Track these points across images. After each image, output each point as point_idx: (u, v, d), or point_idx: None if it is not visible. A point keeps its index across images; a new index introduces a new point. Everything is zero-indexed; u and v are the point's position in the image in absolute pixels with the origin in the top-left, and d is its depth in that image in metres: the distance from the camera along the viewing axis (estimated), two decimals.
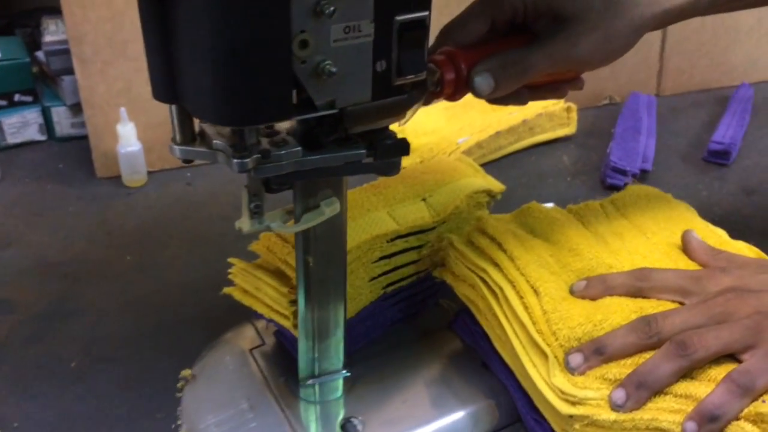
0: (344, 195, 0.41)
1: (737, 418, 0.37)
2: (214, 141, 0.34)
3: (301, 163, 0.35)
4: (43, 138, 0.84)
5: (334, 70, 0.32)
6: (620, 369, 0.40)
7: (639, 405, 0.38)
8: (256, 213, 0.37)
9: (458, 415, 0.46)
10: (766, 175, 0.77)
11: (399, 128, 0.38)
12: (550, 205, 0.70)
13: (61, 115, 0.83)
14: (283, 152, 0.34)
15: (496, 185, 0.56)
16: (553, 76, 0.44)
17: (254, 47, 0.31)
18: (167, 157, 0.76)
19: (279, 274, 0.47)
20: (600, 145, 0.82)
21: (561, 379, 0.40)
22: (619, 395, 0.38)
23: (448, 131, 0.76)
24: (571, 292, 0.44)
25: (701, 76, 0.97)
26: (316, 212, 0.39)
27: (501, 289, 0.44)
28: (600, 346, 0.40)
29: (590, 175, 0.77)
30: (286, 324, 0.46)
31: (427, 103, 0.40)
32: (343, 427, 0.45)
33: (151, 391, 0.49)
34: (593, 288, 0.44)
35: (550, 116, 0.82)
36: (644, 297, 0.44)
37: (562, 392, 0.39)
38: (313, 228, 0.40)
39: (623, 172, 0.74)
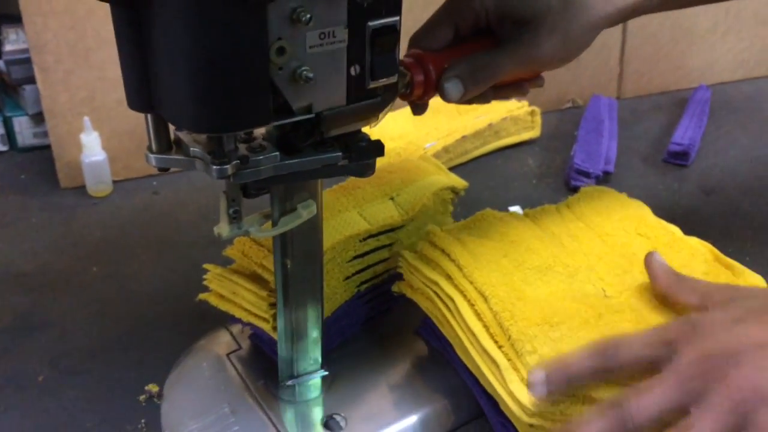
0: (320, 197, 0.42)
1: None
2: (191, 149, 0.35)
3: (279, 167, 0.36)
4: (4, 149, 0.83)
5: (311, 75, 0.33)
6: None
7: None
8: (235, 218, 0.38)
9: (435, 406, 0.48)
10: (724, 175, 0.79)
11: (368, 132, 0.39)
12: (515, 208, 0.72)
13: (23, 125, 0.82)
14: (261, 158, 0.35)
15: (459, 182, 0.58)
16: (516, 75, 0.46)
17: (232, 55, 0.31)
18: (133, 166, 0.76)
19: (255, 278, 0.47)
20: (564, 147, 0.84)
21: (517, 386, 0.40)
22: None
23: (414, 136, 0.77)
24: (530, 385, 0.39)
25: (660, 79, 0.99)
26: (293, 215, 0.40)
27: (452, 299, 0.45)
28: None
29: (555, 178, 0.78)
30: (265, 327, 0.47)
31: (409, 105, 0.44)
32: (325, 424, 0.46)
33: (121, 403, 0.49)
34: (554, 373, 0.39)
35: (515, 120, 0.83)
36: (610, 370, 0.39)
37: (519, 401, 0.40)
38: (291, 230, 0.40)
39: (586, 174, 0.75)
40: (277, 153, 0.36)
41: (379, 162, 0.52)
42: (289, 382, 0.47)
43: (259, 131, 0.37)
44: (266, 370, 0.49)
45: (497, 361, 0.41)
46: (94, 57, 0.71)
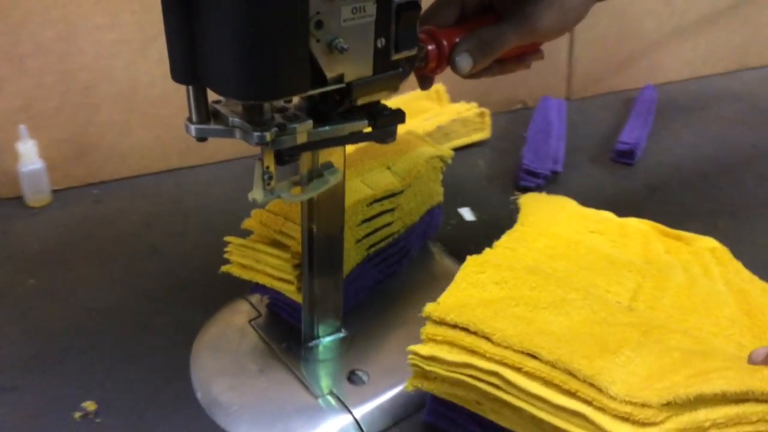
0: (344, 165, 0.45)
1: None
2: (231, 119, 0.38)
3: (313, 134, 0.40)
4: None
5: (345, 46, 0.37)
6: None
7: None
8: (268, 184, 0.40)
9: None
10: (669, 172, 0.80)
11: None
12: (465, 210, 0.72)
13: None
14: (296, 125, 0.39)
15: (446, 152, 0.63)
16: (518, 49, 0.49)
17: (278, 27, 0.34)
18: (73, 174, 0.73)
19: (276, 245, 0.50)
20: (513, 148, 0.84)
21: (613, 424, 0.36)
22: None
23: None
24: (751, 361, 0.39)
25: (608, 79, 1.00)
26: (320, 180, 0.44)
27: (496, 373, 0.39)
28: None
29: (504, 178, 0.79)
30: (290, 289, 0.50)
31: (417, 78, 0.48)
32: (349, 378, 0.49)
33: (57, 419, 0.47)
34: None
35: (464, 122, 0.83)
36: None
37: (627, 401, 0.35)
38: (317, 196, 0.44)
39: (535, 174, 0.75)
40: (311, 120, 0.39)
41: None
42: (312, 343, 0.51)
43: (292, 102, 0.41)
44: (287, 333, 0.53)
45: (580, 411, 0.36)
46: (30, 63, 0.69)
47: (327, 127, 0.40)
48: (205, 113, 0.39)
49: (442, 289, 0.47)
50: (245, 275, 0.52)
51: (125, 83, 0.72)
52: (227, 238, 0.52)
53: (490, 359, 0.40)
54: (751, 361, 0.39)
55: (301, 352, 0.51)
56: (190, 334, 0.54)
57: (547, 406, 0.38)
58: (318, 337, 0.51)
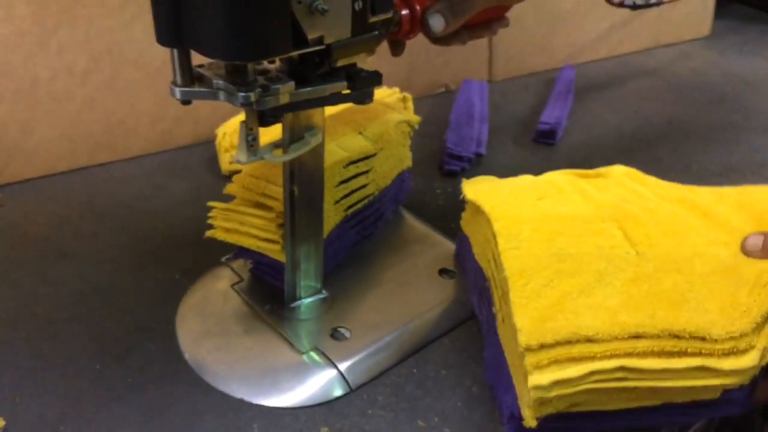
0: (324, 127, 0.47)
1: None
2: (214, 81, 0.40)
3: (295, 95, 0.42)
4: None
5: (325, 8, 0.39)
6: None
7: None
8: (252, 146, 0.42)
9: (428, 314, 0.55)
10: (590, 150, 0.82)
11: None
12: None
13: None
14: (279, 86, 0.41)
15: (413, 117, 0.66)
16: (485, 14, 0.52)
17: None
18: None
19: (259, 207, 0.52)
20: (438, 132, 0.83)
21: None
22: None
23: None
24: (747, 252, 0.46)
25: (528, 60, 1.01)
26: (302, 142, 0.46)
27: (620, 368, 0.41)
28: None
29: (429, 163, 0.78)
30: (275, 249, 0.52)
31: (389, 44, 0.51)
32: (332, 335, 0.52)
33: None
34: None
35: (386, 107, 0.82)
36: None
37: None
38: (298, 158, 0.46)
39: (459, 158, 0.75)
40: (293, 81, 0.41)
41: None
42: (294, 304, 0.54)
43: (272, 65, 0.43)
44: (270, 296, 0.55)
45: (699, 365, 0.40)
46: None
47: (308, 88, 0.42)
48: (189, 76, 0.40)
49: (417, 252, 0.57)
50: (230, 239, 0.53)
51: (25, 79, 0.67)
52: (211, 203, 0.54)
53: (610, 357, 0.40)
54: (747, 249, 0.45)
55: (285, 312, 0.54)
56: (110, 339, 0.52)
57: (672, 374, 0.40)
58: (300, 298, 0.54)
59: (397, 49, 0.52)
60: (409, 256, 0.60)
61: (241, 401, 0.47)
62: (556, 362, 0.40)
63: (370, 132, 0.61)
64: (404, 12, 0.47)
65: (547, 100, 0.91)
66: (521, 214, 0.51)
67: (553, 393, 0.40)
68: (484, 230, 0.52)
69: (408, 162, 0.66)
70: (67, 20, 0.66)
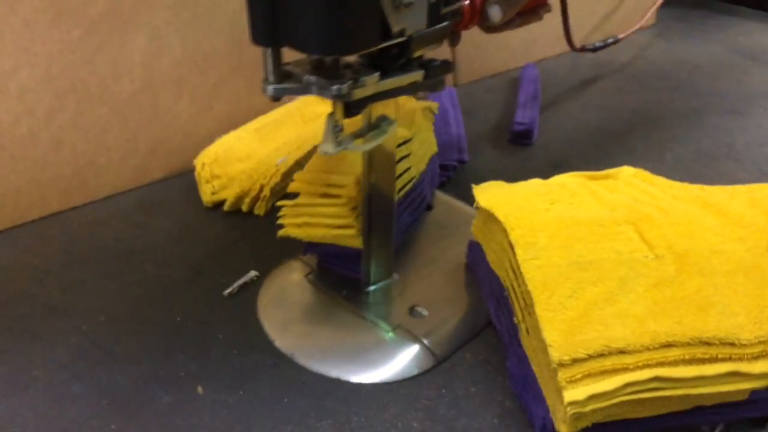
0: (396, 116, 0.50)
1: None
2: (305, 77, 0.43)
3: (379, 86, 0.45)
4: None
5: (410, 1, 0.42)
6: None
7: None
8: (338, 137, 0.44)
9: None
10: (566, 147, 0.83)
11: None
12: None
13: None
14: (366, 78, 0.43)
15: (433, 104, 0.70)
16: (532, 3, 0.57)
17: None
18: None
19: (327, 197, 0.54)
20: None
21: None
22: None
23: (263, 154, 0.72)
24: None
25: (490, 61, 1.02)
26: (379, 131, 0.49)
27: (654, 378, 0.41)
28: None
29: None
30: (350, 233, 0.54)
31: (449, 36, 0.51)
32: (410, 314, 0.55)
33: None
34: None
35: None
36: None
37: None
38: (374, 147, 0.49)
39: (444, 168, 0.74)
40: (378, 73, 0.44)
41: (233, 192, 0.66)
42: (369, 288, 0.57)
43: (353, 59, 0.45)
44: (343, 283, 0.58)
45: (731, 371, 0.41)
46: None
47: (390, 79, 0.45)
48: (280, 74, 0.43)
49: (463, 232, 0.59)
50: (302, 234, 0.55)
51: None
52: (280, 202, 0.56)
53: (642, 368, 0.40)
54: None
55: (361, 297, 0.57)
56: (121, 395, 0.48)
57: (704, 381, 0.41)
58: (374, 282, 0.57)
59: (455, 39, 0.55)
60: (464, 238, 0.61)
61: (338, 380, 0.50)
62: (590, 376, 0.40)
63: (401, 119, 0.62)
64: (466, 2, 0.50)
65: (515, 99, 0.91)
66: (536, 221, 0.51)
67: (589, 407, 0.40)
68: (499, 238, 0.52)
69: (435, 147, 0.69)
70: (26, 59, 0.62)
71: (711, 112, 0.92)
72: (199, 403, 0.48)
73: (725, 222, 0.50)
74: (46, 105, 0.64)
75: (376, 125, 0.49)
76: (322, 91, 0.42)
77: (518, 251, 0.48)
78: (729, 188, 0.55)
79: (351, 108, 0.44)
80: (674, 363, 0.41)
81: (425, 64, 0.47)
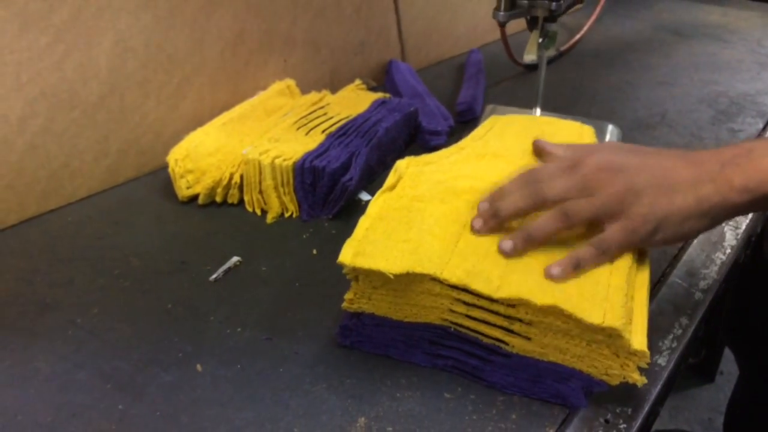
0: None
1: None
2: (536, 0, 0.71)
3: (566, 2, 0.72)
4: None
5: None
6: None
7: (524, 252, 0.49)
8: (541, 44, 0.73)
9: None
10: None
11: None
12: (363, 193, 0.73)
13: None
14: None
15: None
16: None
17: None
18: None
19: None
20: None
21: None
22: (508, 244, 0.49)
23: (231, 146, 0.75)
24: (473, 224, 0.52)
25: (436, 49, 1.07)
26: (550, 40, 0.75)
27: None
28: (496, 210, 0.51)
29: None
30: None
31: None
32: None
33: None
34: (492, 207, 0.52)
35: (323, 111, 0.85)
36: (544, 198, 0.50)
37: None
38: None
39: (437, 133, 0.81)
40: None
41: (204, 185, 0.73)
42: None
43: None
44: None
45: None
46: None
47: None
48: (510, 4, 0.69)
49: None
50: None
51: None
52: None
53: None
54: (547, 274, 0.48)
55: None
56: (124, 377, 0.51)
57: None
58: None
59: None
60: None
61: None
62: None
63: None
64: None
65: (461, 83, 0.97)
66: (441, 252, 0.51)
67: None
68: (417, 289, 0.50)
69: (365, 103, 0.82)
70: None
71: (642, 85, 0.99)
72: (199, 379, 0.52)
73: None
74: (18, 112, 0.66)
75: (546, 34, 0.72)
76: (545, 11, 0.67)
77: (475, 287, 0.48)
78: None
79: (548, 21, 0.69)
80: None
81: None
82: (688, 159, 0.50)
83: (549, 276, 0.47)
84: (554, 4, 0.66)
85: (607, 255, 0.49)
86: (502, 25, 0.67)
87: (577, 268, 0.48)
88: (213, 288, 0.61)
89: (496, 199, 0.52)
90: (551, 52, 0.72)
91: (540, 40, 0.69)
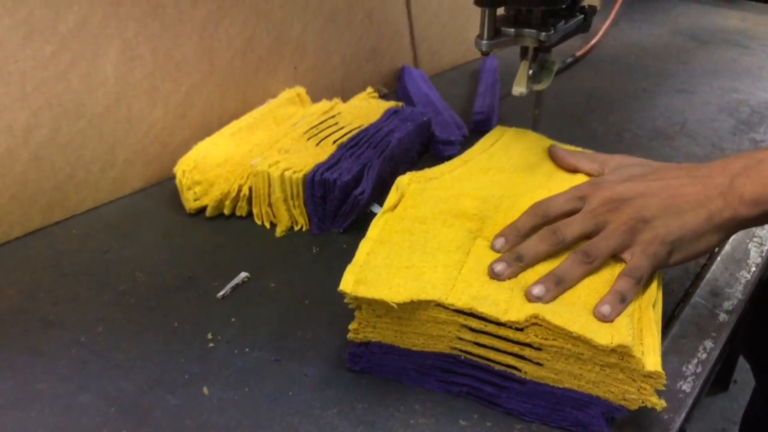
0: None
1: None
2: (514, 30, 0.60)
3: (563, 30, 0.61)
4: None
5: None
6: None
7: (553, 299, 0.48)
8: (532, 77, 0.62)
9: None
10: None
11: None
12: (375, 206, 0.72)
13: None
14: (562, 24, 0.60)
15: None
16: None
17: None
18: None
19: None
20: None
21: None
22: (539, 289, 0.48)
23: (240, 157, 0.73)
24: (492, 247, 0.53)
25: (450, 55, 1.05)
26: (548, 70, 0.65)
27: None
28: (519, 255, 0.50)
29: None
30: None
31: None
32: None
33: None
34: (508, 232, 0.53)
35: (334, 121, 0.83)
36: (547, 222, 0.53)
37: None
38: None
39: (451, 143, 0.79)
40: (563, 21, 0.59)
41: (213, 197, 0.71)
42: None
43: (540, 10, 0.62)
44: None
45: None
46: None
47: (567, 24, 0.59)
48: (493, 32, 0.58)
49: None
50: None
51: None
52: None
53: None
54: (599, 316, 0.47)
55: None
56: (129, 401, 0.50)
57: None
58: None
59: None
60: None
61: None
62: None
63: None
64: None
65: (476, 90, 0.94)
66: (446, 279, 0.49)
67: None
68: (422, 317, 0.48)
69: (377, 113, 0.79)
70: (0, 78, 0.62)
71: (660, 93, 0.97)
72: (206, 403, 0.50)
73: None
74: (22, 122, 0.65)
75: (541, 66, 0.64)
76: (533, 41, 0.56)
77: (482, 310, 0.46)
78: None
79: (540, 51, 0.59)
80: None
81: (582, 10, 0.63)
82: (695, 174, 0.51)
83: (601, 318, 0.46)
84: (543, 34, 0.57)
85: (642, 283, 0.49)
86: (485, 55, 0.60)
87: (623, 302, 0.47)
88: (220, 305, 0.59)
89: (510, 239, 0.52)
90: (544, 86, 0.63)
91: (530, 72, 0.60)
